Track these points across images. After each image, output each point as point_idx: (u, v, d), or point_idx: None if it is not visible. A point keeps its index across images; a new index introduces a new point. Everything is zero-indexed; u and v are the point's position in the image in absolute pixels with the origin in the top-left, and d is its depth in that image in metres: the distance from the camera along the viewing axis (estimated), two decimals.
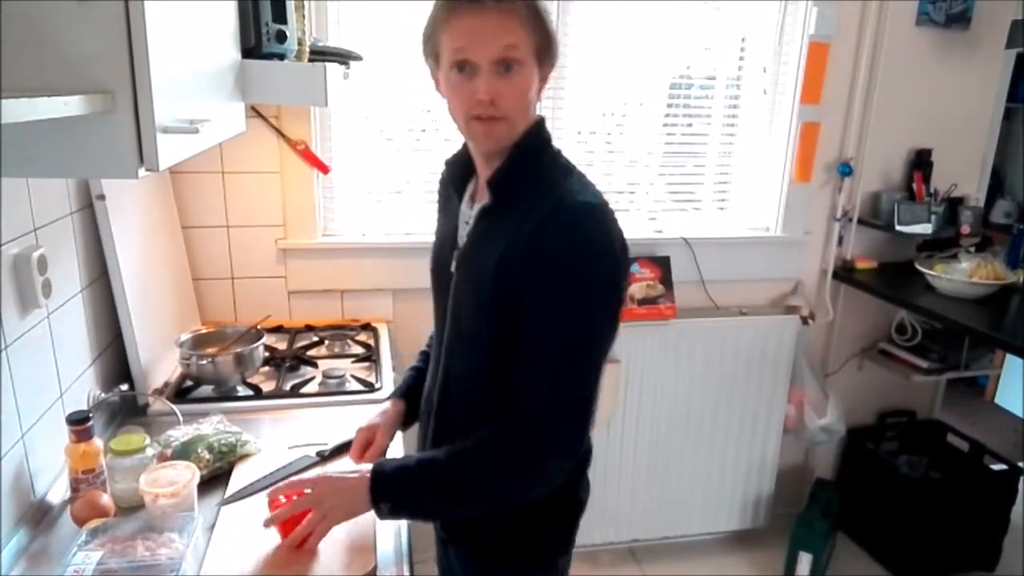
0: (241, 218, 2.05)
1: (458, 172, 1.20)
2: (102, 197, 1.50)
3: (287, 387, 1.73)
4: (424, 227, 2.22)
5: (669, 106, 2.38)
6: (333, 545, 1.16)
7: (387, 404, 1.35)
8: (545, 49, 1.04)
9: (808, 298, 2.58)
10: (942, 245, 2.48)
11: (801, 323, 2.48)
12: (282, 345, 1.98)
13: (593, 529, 2.50)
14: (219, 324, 1.91)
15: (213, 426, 1.44)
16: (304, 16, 1.62)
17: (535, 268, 1.00)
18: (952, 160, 2.55)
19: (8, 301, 1.18)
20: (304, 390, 1.73)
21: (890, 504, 2.53)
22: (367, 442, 1.28)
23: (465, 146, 1.18)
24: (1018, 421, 3.62)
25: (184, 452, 1.34)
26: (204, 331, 1.80)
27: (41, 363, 1.30)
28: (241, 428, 1.46)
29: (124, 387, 1.54)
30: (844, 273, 2.53)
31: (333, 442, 1.46)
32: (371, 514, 1.09)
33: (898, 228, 2.41)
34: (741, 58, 2.38)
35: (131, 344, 1.59)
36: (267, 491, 1.20)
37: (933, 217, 2.42)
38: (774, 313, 2.52)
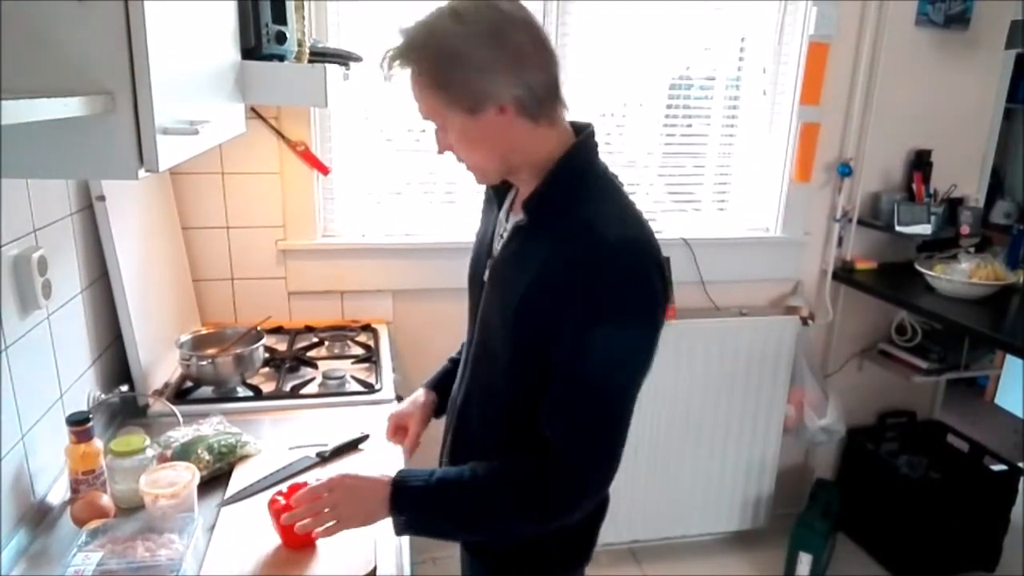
0: (241, 219, 2.05)
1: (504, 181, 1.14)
2: (102, 198, 1.50)
3: (287, 388, 1.73)
4: (424, 228, 2.22)
5: (669, 106, 2.38)
6: (333, 546, 1.16)
7: (420, 392, 1.34)
8: (460, 96, 0.96)
9: (808, 298, 2.58)
10: (942, 246, 2.48)
11: (801, 323, 2.48)
12: (282, 346, 1.98)
13: None
14: (219, 325, 1.91)
15: (213, 427, 1.44)
16: (304, 17, 1.62)
17: (569, 308, 0.95)
18: (952, 160, 2.55)
19: (8, 302, 1.18)
20: (304, 391, 1.73)
21: (890, 504, 2.53)
22: (400, 428, 1.30)
23: None
24: (1018, 421, 3.62)
25: (184, 453, 1.34)
26: (204, 332, 1.80)
27: (41, 364, 1.30)
28: (241, 429, 1.46)
29: (124, 388, 1.54)
30: (844, 274, 2.53)
31: (333, 443, 1.46)
32: None
33: (898, 229, 2.41)
34: (741, 58, 2.38)
35: (131, 345, 1.58)
36: (267, 493, 1.20)
37: (933, 218, 2.42)
38: (774, 313, 2.52)
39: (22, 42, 0.82)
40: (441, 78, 0.96)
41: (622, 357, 1.00)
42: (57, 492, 1.30)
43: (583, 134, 1.05)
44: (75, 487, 1.23)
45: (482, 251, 1.17)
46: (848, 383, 2.69)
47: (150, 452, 1.29)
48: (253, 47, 1.44)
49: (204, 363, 1.65)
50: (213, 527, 1.21)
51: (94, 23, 0.84)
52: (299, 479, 1.29)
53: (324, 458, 1.42)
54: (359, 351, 1.96)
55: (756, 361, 2.47)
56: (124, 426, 1.51)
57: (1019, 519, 2.54)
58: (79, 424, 1.22)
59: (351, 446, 1.47)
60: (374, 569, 1.12)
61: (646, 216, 1.05)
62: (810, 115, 2.38)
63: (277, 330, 2.05)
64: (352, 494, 1.05)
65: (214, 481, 1.34)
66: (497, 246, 1.12)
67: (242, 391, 1.71)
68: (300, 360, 1.88)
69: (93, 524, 1.13)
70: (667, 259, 2.30)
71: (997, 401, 3.91)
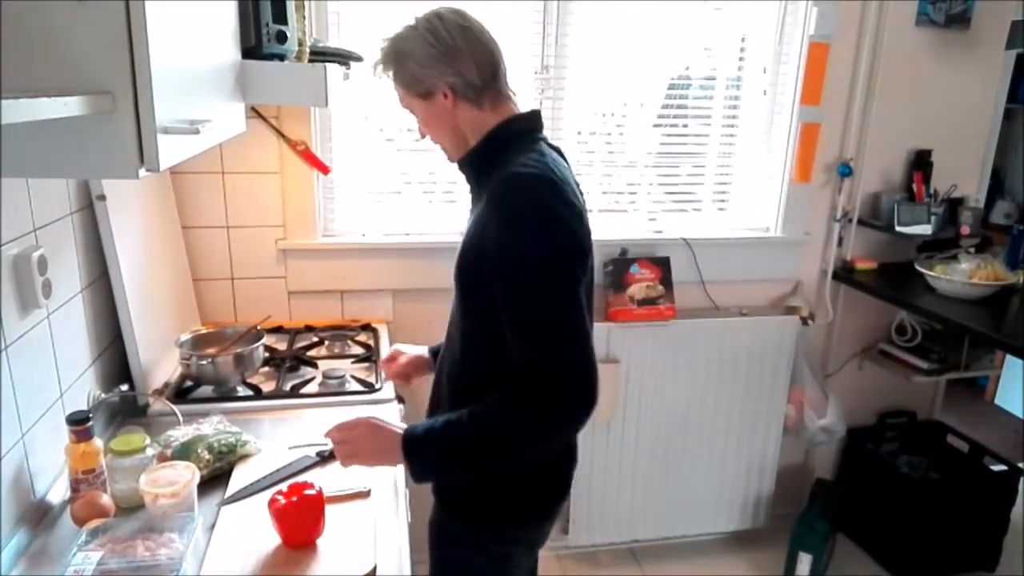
0: (241, 218, 2.05)
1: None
2: (102, 197, 1.50)
3: (287, 387, 1.73)
4: (424, 227, 2.22)
5: (669, 106, 2.38)
6: (333, 545, 1.16)
7: (424, 349, 1.54)
8: (414, 85, 1.22)
9: (808, 299, 2.58)
10: (942, 246, 2.48)
11: (801, 323, 2.48)
12: (282, 345, 1.98)
13: (593, 529, 2.50)
14: (219, 324, 1.91)
15: (213, 426, 1.44)
16: (304, 17, 1.62)
17: (490, 251, 1.10)
18: (952, 161, 2.55)
19: (8, 301, 1.18)
20: (304, 390, 1.73)
21: (890, 504, 2.53)
22: (394, 359, 1.53)
23: None
24: (1018, 421, 3.62)
25: (184, 452, 1.34)
26: (204, 331, 1.80)
27: (41, 363, 1.30)
28: (241, 428, 1.46)
29: (124, 387, 1.54)
30: (844, 274, 2.53)
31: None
32: (371, 513, 1.14)
33: (898, 229, 2.41)
34: (741, 58, 2.38)
35: (131, 344, 1.59)
36: (267, 493, 1.20)
37: (933, 218, 2.42)
38: (774, 314, 2.52)
39: (22, 42, 0.82)
40: (401, 73, 1.23)
41: (547, 273, 1.09)
42: (57, 491, 1.30)
43: (504, 120, 1.24)
44: (75, 486, 1.23)
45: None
46: (848, 383, 2.69)
47: (150, 451, 1.29)
48: (253, 46, 1.44)
49: (204, 362, 1.65)
50: (213, 527, 1.21)
51: (94, 23, 0.84)
52: (299, 479, 1.28)
53: (324, 457, 1.42)
54: (359, 351, 1.96)
55: (756, 361, 2.47)
56: (124, 425, 1.51)
57: (1019, 519, 2.54)
58: (79, 423, 1.22)
59: None
60: (374, 569, 1.12)
61: (573, 172, 1.26)
62: (810, 115, 2.38)
63: (277, 329, 2.05)
64: (372, 433, 1.19)
65: (214, 481, 1.34)
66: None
67: (242, 391, 1.71)
68: (300, 360, 1.88)
69: (93, 523, 1.13)
70: (667, 259, 2.34)
71: (997, 401, 3.91)
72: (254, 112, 1.96)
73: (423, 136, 1.30)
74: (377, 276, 2.18)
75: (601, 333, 2.31)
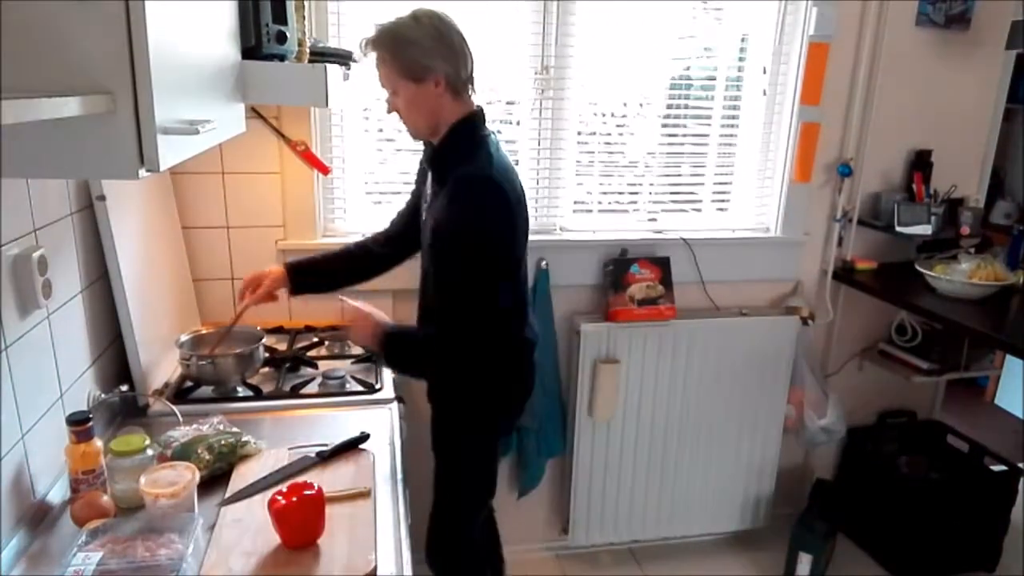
0: (241, 219, 2.05)
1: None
2: (102, 197, 1.50)
3: (287, 388, 1.73)
4: None
5: (669, 107, 2.38)
6: (333, 545, 1.16)
7: (280, 267, 1.75)
8: (412, 69, 1.45)
9: (808, 299, 2.58)
10: (942, 246, 2.48)
11: (801, 324, 2.48)
12: (282, 346, 1.98)
13: (593, 529, 2.50)
14: (219, 324, 1.90)
15: (213, 427, 1.44)
16: (304, 17, 1.62)
17: (443, 225, 1.46)
18: (952, 161, 2.55)
19: (8, 302, 1.18)
20: (304, 391, 1.73)
21: (890, 505, 2.53)
22: (257, 283, 1.71)
23: None
24: (1018, 422, 3.62)
25: (184, 453, 1.34)
26: (204, 331, 1.80)
27: (41, 364, 1.30)
28: (241, 429, 1.46)
29: (124, 388, 1.54)
30: (844, 274, 2.53)
31: (333, 443, 1.46)
32: (371, 513, 1.17)
33: (898, 229, 2.41)
34: (741, 58, 2.38)
35: (131, 344, 1.59)
36: (267, 493, 1.20)
37: (933, 218, 2.42)
38: (774, 314, 2.52)
39: (22, 42, 0.82)
40: (399, 56, 1.44)
41: (473, 253, 1.46)
42: (57, 492, 1.30)
43: (477, 117, 1.54)
44: (75, 487, 1.24)
45: (421, 208, 1.66)
46: (848, 383, 2.69)
47: (150, 452, 1.29)
48: (253, 47, 1.44)
49: (204, 363, 1.65)
50: (213, 527, 1.21)
51: (94, 23, 0.84)
52: (299, 479, 1.28)
53: (324, 458, 1.42)
54: (359, 351, 1.96)
55: (756, 361, 2.47)
56: (124, 426, 1.51)
57: (1019, 519, 2.54)
58: (79, 424, 1.22)
59: (351, 446, 1.47)
60: (374, 569, 1.12)
61: (514, 165, 1.61)
62: (810, 115, 2.38)
63: (277, 330, 2.05)
64: (368, 321, 1.58)
65: (214, 481, 1.34)
66: (424, 206, 1.63)
67: (242, 391, 1.71)
68: (300, 360, 1.88)
69: (93, 524, 1.13)
70: (667, 259, 2.34)
71: (997, 401, 3.91)
72: (254, 112, 1.96)
73: (391, 111, 1.55)
74: (377, 277, 2.17)
75: (601, 333, 2.32)
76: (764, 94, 2.40)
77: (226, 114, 1.31)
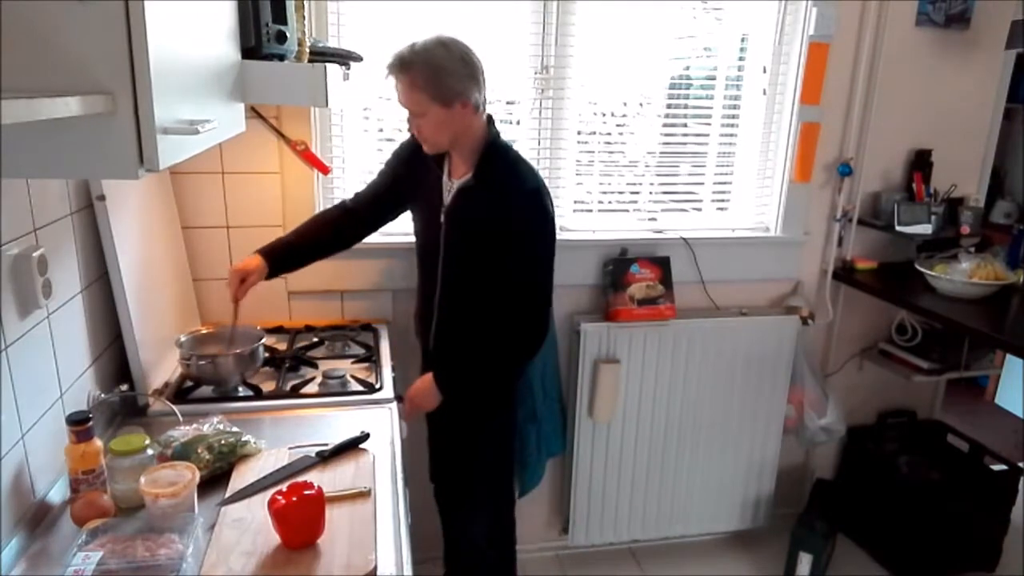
0: (241, 218, 2.05)
1: (438, 153, 1.72)
2: (102, 197, 1.50)
3: (287, 388, 1.73)
4: None
5: (669, 106, 2.38)
6: (333, 545, 1.16)
7: (257, 257, 1.75)
8: (444, 94, 1.55)
9: (808, 298, 2.58)
10: (942, 245, 2.48)
11: (801, 323, 2.48)
12: (282, 346, 1.98)
13: (593, 529, 2.50)
14: (219, 324, 1.90)
15: (213, 426, 1.44)
16: (304, 17, 1.62)
17: (511, 236, 1.65)
18: (952, 160, 2.55)
19: (8, 301, 1.18)
20: (304, 390, 1.73)
21: (890, 504, 2.53)
22: (242, 279, 1.71)
23: None
24: (1018, 421, 3.62)
25: (184, 452, 1.34)
26: (204, 331, 1.80)
27: (41, 363, 1.30)
28: (241, 428, 1.45)
29: (124, 387, 1.54)
30: (844, 273, 2.53)
31: (333, 443, 1.46)
32: (371, 513, 1.17)
33: (898, 228, 2.41)
34: (741, 58, 2.38)
35: (131, 344, 1.58)
36: (267, 493, 1.20)
37: (933, 217, 2.42)
38: (774, 313, 2.52)
39: (22, 42, 0.82)
40: (433, 83, 1.54)
41: (544, 256, 1.71)
42: (57, 492, 1.30)
43: (492, 123, 1.70)
44: (75, 487, 1.24)
45: (433, 199, 1.74)
46: (848, 383, 2.69)
47: (150, 452, 1.29)
48: (253, 46, 1.44)
49: (204, 363, 1.65)
50: (213, 527, 1.21)
51: (94, 23, 0.84)
52: (299, 479, 1.28)
53: (324, 458, 1.42)
54: (359, 351, 1.96)
55: (756, 361, 2.47)
56: (124, 426, 1.51)
57: (1019, 519, 2.54)
58: (79, 424, 1.22)
59: (351, 446, 1.47)
60: (374, 569, 1.12)
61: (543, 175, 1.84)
62: (810, 115, 2.38)
63: (277, 330, 2.05)
64: (420, 394, 1.76)
65: (214, 481, 1.34)
66: (447, 198, 1.72)
67: (242, 391, 1.71)
68: (300, 360, 1.88)
69: (93, 523, 1.13)
70: (667, 259, 2.34)
71: (997, 401, 3.91)
72: (254, 112, 1.96)
73: (412, 129, 1.67)
74: (377, 276, 2.18)
75: (601, 333, 2.31)
76: (764, 94, 2.40)
77: (226, 114, 1.31)
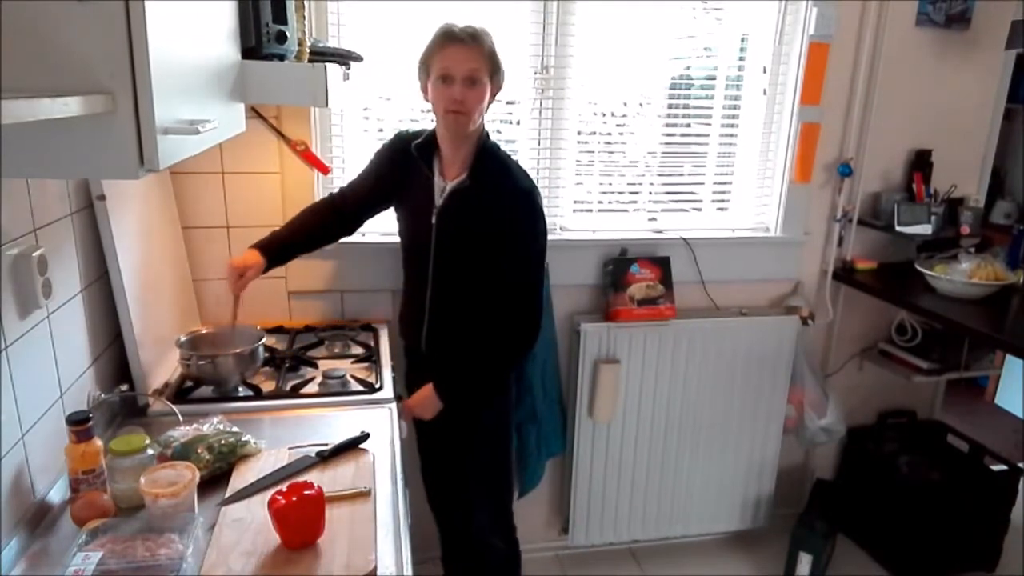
0: (241, 218, 2.05)
1: (427, 153, 1.74)
2: (102, 197, 1.50)
3: (287, 388, 1.73)
4: None
5: (669, 106, 2.38)
6: (333, 545, 1.16)
7: (255, 252, 1.75)
8: (495, 74, 1.64)
9: (808, 298, 2.58)
10: (942, 246, 2.48)
11: (801, 323, 2.48)
12: (282, 345, 1.98)
13: (593, 529, 2.50)
14: (219, 324, 1.90)
15: (213, 426, 1.44)
16: (304, 17, 1.62)
17: (507, 236, 1.68)
18: (952, 160, 2.55)
19: (8, 301, 1.18)
20: (304, 390, 1.73)
21: (890, 505, 2.53)
22: (241, 274, 1.70)
23: (432, 134, 1.74)
24: (1018, 422, 3.62)
25: (184, 452, 1.34)
26: (204, 331, 1.80)
27: (41, 363, 1.30)
28: (241, 428, 1.45)
29: (124, 387, 1.54)
30: (844, 273, 2.53)
31: (333, 443, 1.46)
32: (371, 513, 1.17)
33: (898, 229, 2.41)
34: (741, 58, 2.38)
35: (131, 344, 1.58)
36: (267, 493, 1.20)
37: (933, 218, 2.42)
38: (774, 313, 2.52)
39: (22, 41, 0.82)
40: (495, 56, 1.63)
41: (539, 253, 1.75)
42: (57, 492, 1.30)
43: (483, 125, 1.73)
44: (75, 487, 1.23)
45: (424, 201, 1.74)
46: (848, 383, 2.70)
47: (150, 451, 1.29)
48: (253, 46, 1.44)
49: (204, 363, 1.65)
50: (213, 527, 1.21)
51: (94, 23, 0.84)
52: (299, 479, 1.28)
53: (324, 458, 1.42)
54: (359, 351, 1.96)
55: (756, 361, 2.47)
56: (124, 425, 1.51)
57: (1019, 519, 2.54)
58: (79, 424, 1.22)
59: (351, 446, 1.47)
60: (374, 569, 1.12)
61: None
62: (810, 115, 2.38)
63: (277, 329, 2.05)
64: (421, 405, 1.79)
65: (214, 481, 1.34)
66: (438, 199, 1.72)
67: (242, 391, 1.71)
68: (300, 360, 1.88)
69: (93, 524, 1.13)
70: (667, 259, 2.34)
71: (997, 401, 3.91)
72: (254, 112, 1.96)
73: (457, 97, 1.61)
74: (377, 276, 2.18)
75: (601, 333, 2.32)
76: (764, 94, 2.40)
77: (226, 114, 1.31)
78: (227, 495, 1.30)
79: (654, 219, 2.44)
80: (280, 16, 1.47)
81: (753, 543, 2.68)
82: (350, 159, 2.15)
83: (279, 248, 1.81)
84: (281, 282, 2.12)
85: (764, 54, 2.37)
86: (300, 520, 1.15)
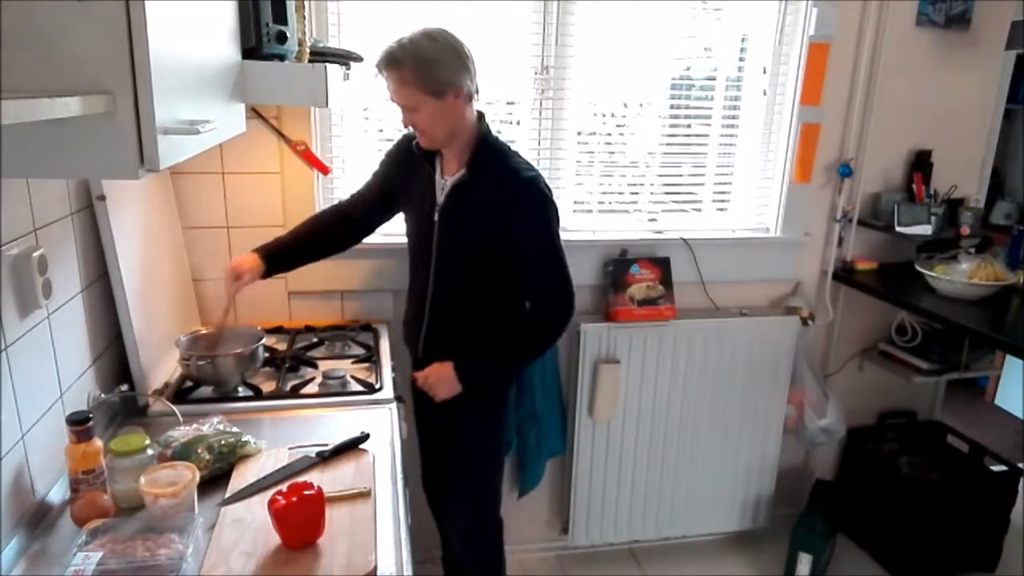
0: (241, 218, 2.05)
1: (430, 152, 1.72)
2: (102, 197, 1.50)
3: (287, 388, 1.73)
4: None
5: (670, 107, 2.38)
6: (333, 545, 1.16)
7: (255, 256, 1.77)
8: (435, 86, 1.54)
9: (808, 299, 2.58)
10: (942, 246, 2.48)
11: (801, 324, 2.48)
12: (282, 346, 1.98)
13: (593, 529, 2.50)
14: (218, 324, 1.90)
15: (213, 427, 1.44)
16: (304, 17, 1.62)
17: (517, 225, 1.65)
18: (952, 161, 2.55)
19: (8, 301, 1.18)
20: (304, 391, 1.73)
21: (890, 505, 2.53)
22: (238, 276, 1.72)
23: None
24: (1018, 422, 3.62)
25: (184, 452, 1.34)
26: (204, 331, 1.80)
27: (41, 364, 1.30)
28: (241, 429, 1.46)
29: (124, 387, 1.54)
30: (844, 274, 2.53)
31: (333, 443, 1.46)
32: (371, 513, 1.17)
33: (898, 229, 2.41)
34: (741, 59, 2.38)
35: (131, 344, 1.59)
36: (267, 493, 1.20)
37: (933, 218, 2.42)
38: (774, 314, 2.52)
39: (22, 41, 0.82)
40: (424, 76, 1.52)
41: (554, 235, 1.69)
42: (57, 492, 1.30)
43: (483, 119, 1.70)
44: (75, 487, 1.24)
45: (425, 199, 1.72)
46: (848, 383, 2.69)
47: (150, 452, 1.29)
48: (253, 47, 1.44)
49: (204, 363, 1.65)
50: (213, 527, 1.21)
51: (94, 23, 0.84)
52: (299, 479, 1.28)
53: (324, 458, 1.42)
54: (359, 351, 1.96)
55: (756, 361, 2.47)
56: (124, 426, 1.51)
57: (1019, 519, 2.54)
58: (79, 424, 1.22)
59: (351, 446, 1.47)
60: (374, 569, 1.12)
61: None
62: (810, 115, 2.38)
63: (277, 330, 2.05)
64: (438, 376, 1.73)
65: (214, 481, 1.34)
66: (440, 196, 1.71)
67: (242, 391, 1.71)
68: (300, 360, 1.88)
69: (93, 524, 1.13)
70: (667, 259, 2.34)
71: (997, 401, 3.91)
72: (254, 112, 1.96)
73: (408, 125, 1.63)
74: (377, 276, 2.18)
75: (601, 333, 2.31)
76: (764, 94, 2.40)
77: (226, 114, 1.31)
78: (227, 495, 1.30)
79: (654, 219, 2.44)
80: (280, 16, 1.47)
81: (753, 543, 2.68)
82: (350, 159, 2.15)
83: (282, 254, 1.80)
84: (281, 282, 2.12)
85: (764, 54, 2.37)
86: (300, 520, 1.15)
